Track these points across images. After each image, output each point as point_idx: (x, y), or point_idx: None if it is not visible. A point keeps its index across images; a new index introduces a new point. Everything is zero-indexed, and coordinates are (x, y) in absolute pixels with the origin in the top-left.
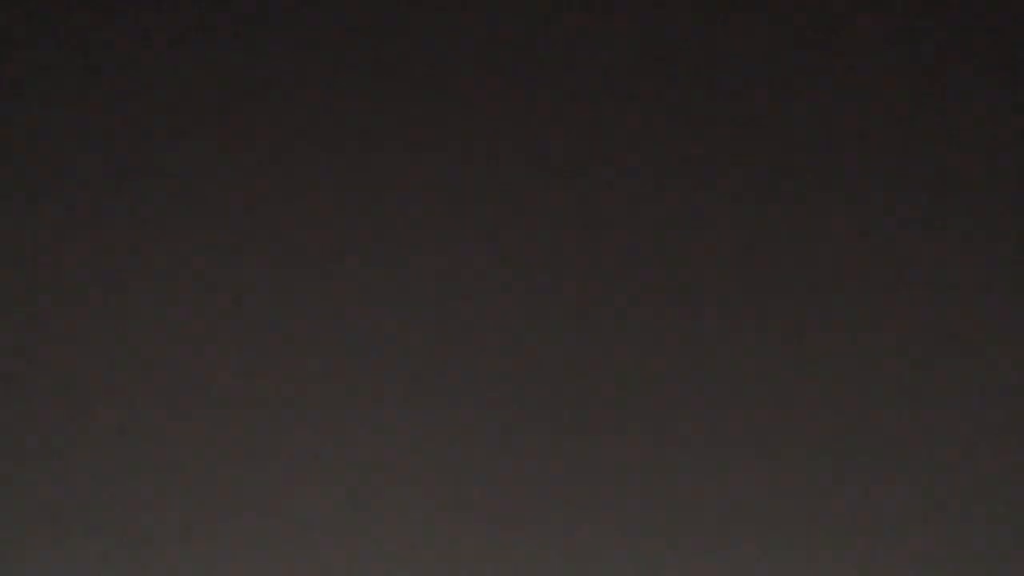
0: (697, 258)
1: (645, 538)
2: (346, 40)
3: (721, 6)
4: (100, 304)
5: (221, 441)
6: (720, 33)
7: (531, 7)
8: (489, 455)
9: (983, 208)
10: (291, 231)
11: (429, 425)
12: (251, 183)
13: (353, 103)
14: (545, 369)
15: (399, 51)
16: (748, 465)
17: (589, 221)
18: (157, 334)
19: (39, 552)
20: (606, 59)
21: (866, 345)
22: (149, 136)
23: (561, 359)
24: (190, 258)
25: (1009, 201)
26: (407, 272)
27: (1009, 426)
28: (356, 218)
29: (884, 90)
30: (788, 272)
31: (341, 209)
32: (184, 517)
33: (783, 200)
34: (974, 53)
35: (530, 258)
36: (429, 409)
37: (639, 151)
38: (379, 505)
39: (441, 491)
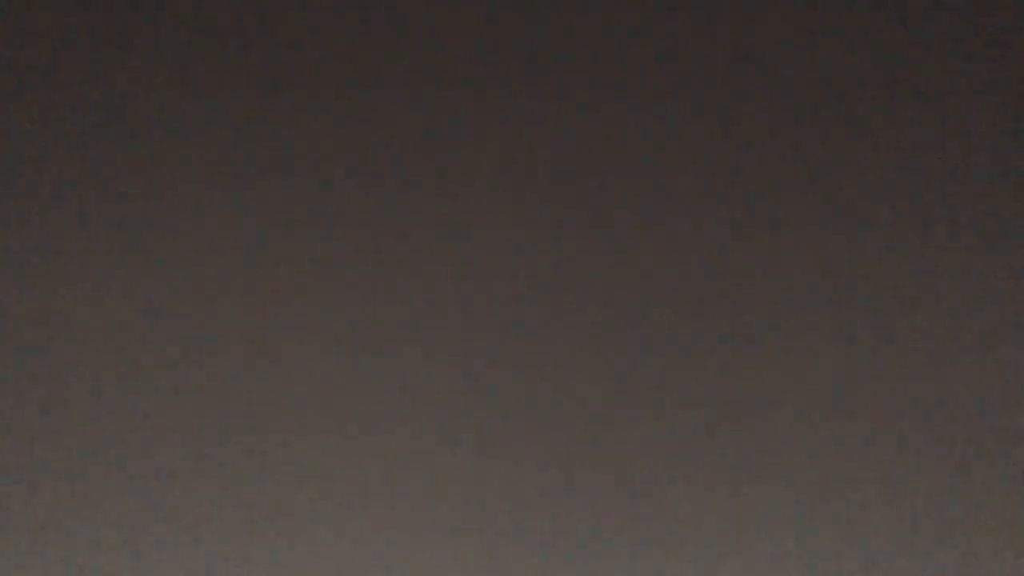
0: (702, 263)
1: (646, 543)
2: (349, 38)
3: (723, 6)
4: (100, 304)
5: (221, 445)
6: (722, 34)
7: (533, 6)
8: (491, 459)
9: (985, 210)
10: (295, 231)
11: (430, 429)
12: (255, 182)
13: (359, 105)
14: (548, 373)
15: (403, 51)
16: (752, 471)
17: (594, 226)
18: (158, 334)
19: (39, 552)
20: (608, 61)
21: (875, 354)
22: (152, 136)
23: (564, 363)
24: (192, 258)
25: (1009, 203)
26: (409, 274)
27: (1010, 432)
28: (360, 220)
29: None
30: (792, 278)
31: (345, 211)
32: (185, 518)
33: (785, 207)
34: (973, 53)
35: (533, 261)
36: (430, 413)
37: (643, 156)
38: (380, 509)
39: (441, 495)
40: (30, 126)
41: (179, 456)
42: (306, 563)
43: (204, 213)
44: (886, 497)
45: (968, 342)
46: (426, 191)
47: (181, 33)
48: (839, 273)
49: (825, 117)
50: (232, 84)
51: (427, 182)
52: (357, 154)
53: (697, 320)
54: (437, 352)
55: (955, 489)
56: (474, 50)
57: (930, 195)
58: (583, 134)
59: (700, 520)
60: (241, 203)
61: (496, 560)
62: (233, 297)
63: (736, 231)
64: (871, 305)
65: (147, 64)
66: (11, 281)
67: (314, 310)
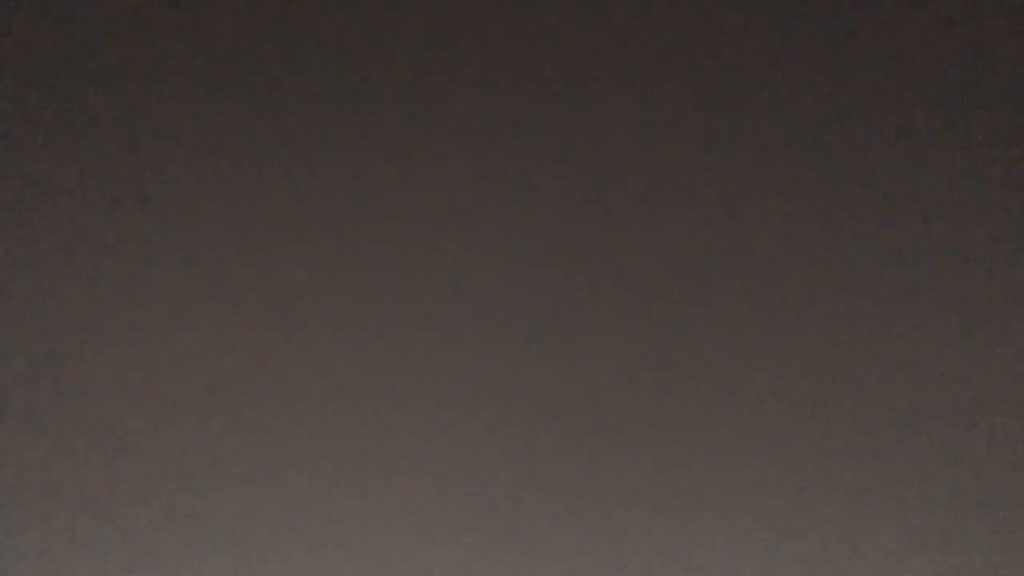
0: (705, 263)
1: (647, 544)
2: (350, 37)
3: (724, 7)
4: (101, 303)
5: (225, 442)
6: (723, 35)
7: (534, 7)
8: (490, 460)
9: (986, 210)
10: (296, 229)
11: (430, 429)
12: (255, 180)
13: (360, 103)
14: (549, 374)
15: (404, 48)
16: (753, 471)
17: (598, 226)
18: (159, 334)
19: (38, 552)
20: (608, 61)
21: (874, 358)
22: (154, 135)
23: (564, 363)
24: (193, 258)
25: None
26: (409, 274)
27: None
28: (361, 219)
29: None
30: (793, 281)
31: (347, 209)
32: (186, 518)
33: (786, 210)
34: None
35: (534, 260)
36: (430, 414)
37: (647, 156)
38: (380, 508)
39: (440, 496)
40: (31, 125)
41: (181, 455)
42: (309, 561)
43: (211, 206)
44: (886, 494)
45: (969, 341)
46: (430, 187)
47: (181, 31)
48: (842, 271)
49: (826, 115)
50: (233, 82)
51: (431, 178)
52: (360, 148)
53: (702, 318)
54: (437, 349)
55: (956, 490)
56: (477, 47)
57: (932, 193)
58: (584, 131)
59: (701, 518)
60: (245, 198)
61: (499, 557)
62: (238, 293)
63: (739, 228)
64: (873, 304)
65: (146, 62)
66: (12, 280)
67: (317, 308)
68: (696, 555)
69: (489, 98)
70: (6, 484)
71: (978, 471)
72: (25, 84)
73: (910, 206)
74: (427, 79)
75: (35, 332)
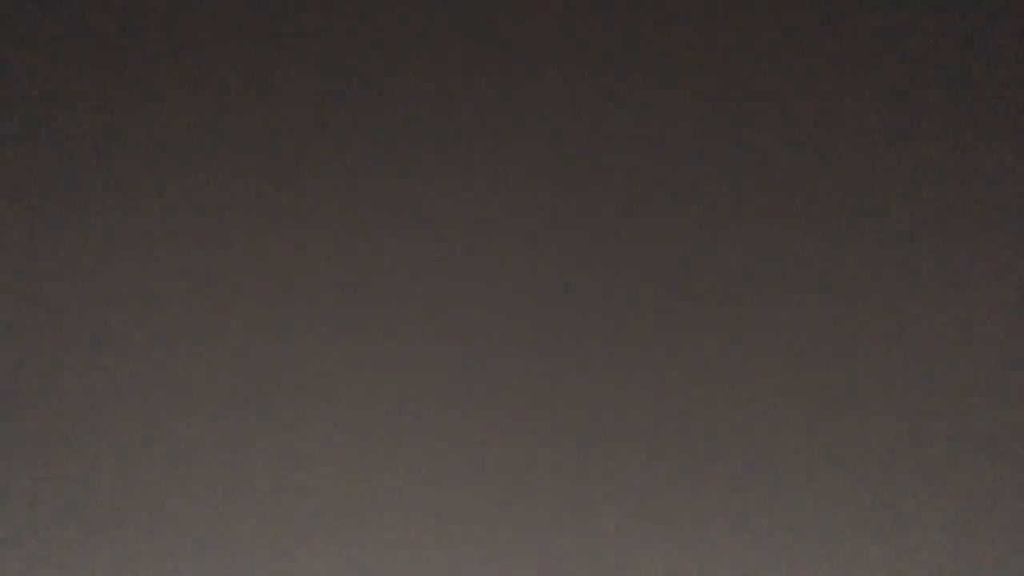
0: (700, 266)
1: (644, 540)
2: (350, 37)
3: (723, 6)
4: (103, 302)
5: (221, 442)
6: (722, 32)
7: (533, 6)
8: (487, 461)
9: (985, 212)
10: (296, 229)
11: (431, 430)
12: (255, 180)
13: (360, 104)
14: (544, 376)
15: (404, 49)
16: (754, 472)
17: (592, 228)
18: (160, 334)
19: (39, 551)
20: (608, 59)
21: (876, 363)
22: (154, 136)
23: (560, 365)
24: (195, 257)
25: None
26: (406, 274)
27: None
28: (363, 220)
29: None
30: (790, 284)
31: (348, 210)
32: (185, 517)
33: (788, 211)
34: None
35: (532, 262)
36: (431, 414)
37: (643, 158)
38: (380, 508)
39: (438, 497)
40: (32, 126)
41: (179, 459)
42: (308, 561)
43: (213, 206)
44: (888, 495)
45: (971, 341)
46: (431, 189)
47: (181, 32)
48: (843, 272)
49: (824, 114)
50: (233, 81)
51: (430, 179)
52: (362, 150)
53: (703, 318)
54: (437, 350)
55: (959, 490)
56: (479, 47)
57: (932, 193)
58: (584, 132)
59: (701, 518)
60: (243, 199)
61: (499, 557)
62: (237, 293)
63: (740, 229)
64: (874, 306)
65: (146, 61)
66: (13, 279)
67: (318, 308)
68: (696, 555)
69: (490, 99)
70: (7, 484)
71: (981, 472)
72: (25, 84)
73: (911, 206)
74: (428, 80)
75: (36, 332)
